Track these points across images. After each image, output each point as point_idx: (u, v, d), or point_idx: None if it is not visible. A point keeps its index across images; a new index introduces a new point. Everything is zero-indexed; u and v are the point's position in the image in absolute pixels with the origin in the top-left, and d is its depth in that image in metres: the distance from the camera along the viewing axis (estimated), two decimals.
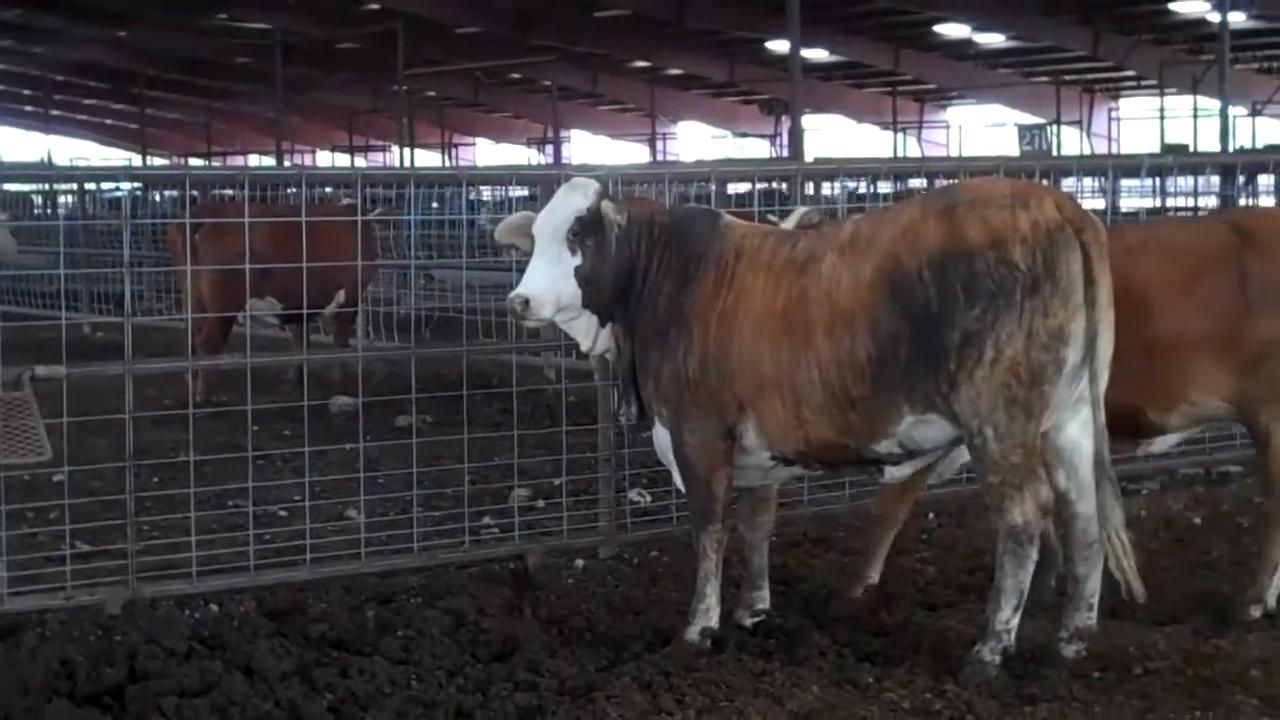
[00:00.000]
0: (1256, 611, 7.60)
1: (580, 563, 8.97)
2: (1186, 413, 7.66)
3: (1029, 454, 6.68)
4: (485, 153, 66.52)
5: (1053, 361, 6.55)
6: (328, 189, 18.08)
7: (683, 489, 7.45)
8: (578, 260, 7.27)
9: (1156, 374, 7.47)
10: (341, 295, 14.90)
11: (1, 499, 7.81)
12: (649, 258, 7.30)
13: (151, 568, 8.18)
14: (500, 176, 13.22)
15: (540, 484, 10.28)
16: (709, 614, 7.32)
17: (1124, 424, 7.28)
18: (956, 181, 7.80)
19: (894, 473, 7.26)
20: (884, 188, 20.92)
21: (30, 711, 6.36)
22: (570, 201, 7.33)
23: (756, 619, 7.62)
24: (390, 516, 9.25)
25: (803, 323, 6.89)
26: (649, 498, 9.99)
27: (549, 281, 7.27)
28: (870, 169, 15.46)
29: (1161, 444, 8.10)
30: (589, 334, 7.52)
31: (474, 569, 8.73)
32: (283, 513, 9.65)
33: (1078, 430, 6.84)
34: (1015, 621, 6.81)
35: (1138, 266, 7.41)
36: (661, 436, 7.41)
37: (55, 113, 69.23)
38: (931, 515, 9.84)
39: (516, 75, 55.70)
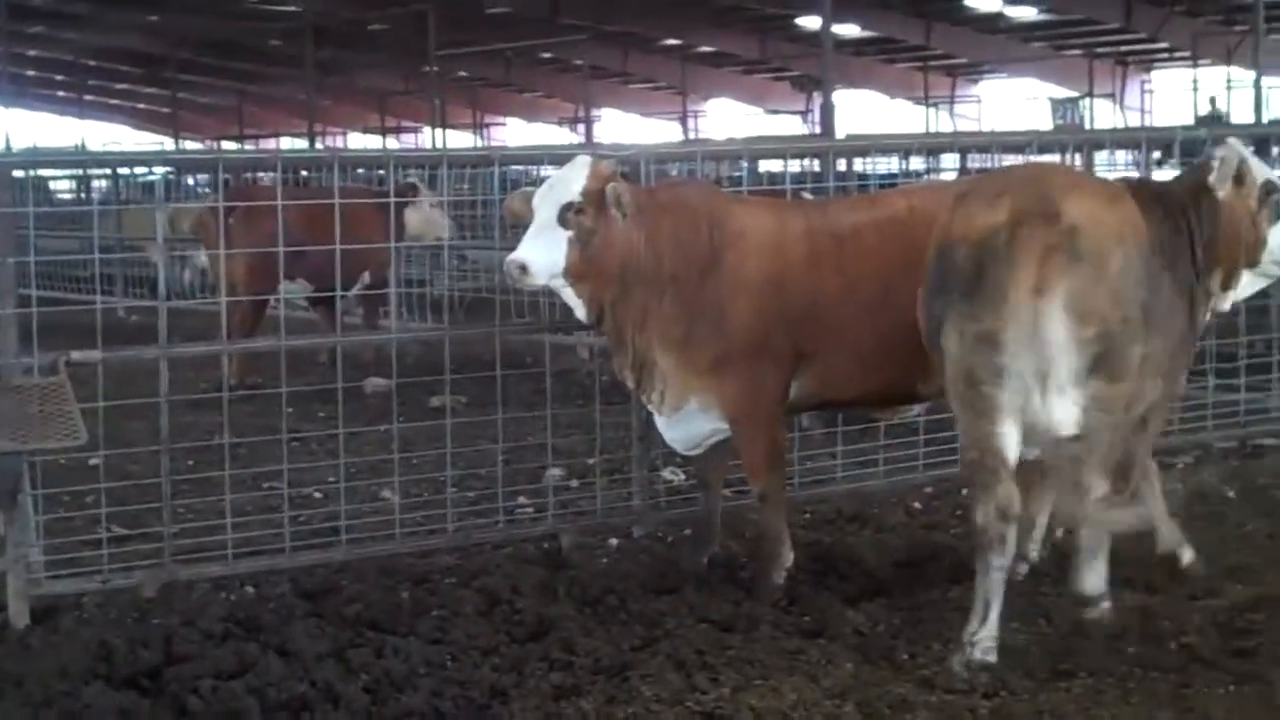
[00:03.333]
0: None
1: (614, 542, 8.97)
2: None
3: None
4: (517, 132, 66.40)
5: None
6: (359, 170, 18.08)
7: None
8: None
9: None
10: (366, 276, 14.96)
11: (38, 483, 7.86)
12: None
13: (187, 550, 8.21)
14: (532, 156, 13.18)
15: (574, 463, 10.31)
16: None
17: None
18: None
19: None
20: (916, 163, 20.81)
21: (68, 694, 6.38)
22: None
23: None
24: (425, 497, 9.29)
25: None
26: (682, 475, 9.99)
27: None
28: (903, 144, 15.40)
29: None
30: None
31: (508, 549, 8.74)
32: (318, 494, 9.69)
33: None
34: (984, 633, 6.56)
35: None
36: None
37: (88, 98, 69.47)
38: (965, 491, 9.76)
39: (548, 55, 55.56)
